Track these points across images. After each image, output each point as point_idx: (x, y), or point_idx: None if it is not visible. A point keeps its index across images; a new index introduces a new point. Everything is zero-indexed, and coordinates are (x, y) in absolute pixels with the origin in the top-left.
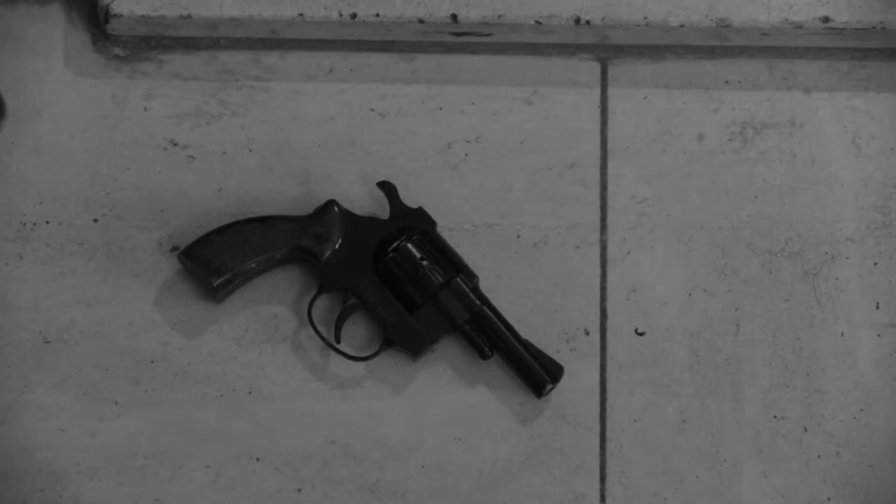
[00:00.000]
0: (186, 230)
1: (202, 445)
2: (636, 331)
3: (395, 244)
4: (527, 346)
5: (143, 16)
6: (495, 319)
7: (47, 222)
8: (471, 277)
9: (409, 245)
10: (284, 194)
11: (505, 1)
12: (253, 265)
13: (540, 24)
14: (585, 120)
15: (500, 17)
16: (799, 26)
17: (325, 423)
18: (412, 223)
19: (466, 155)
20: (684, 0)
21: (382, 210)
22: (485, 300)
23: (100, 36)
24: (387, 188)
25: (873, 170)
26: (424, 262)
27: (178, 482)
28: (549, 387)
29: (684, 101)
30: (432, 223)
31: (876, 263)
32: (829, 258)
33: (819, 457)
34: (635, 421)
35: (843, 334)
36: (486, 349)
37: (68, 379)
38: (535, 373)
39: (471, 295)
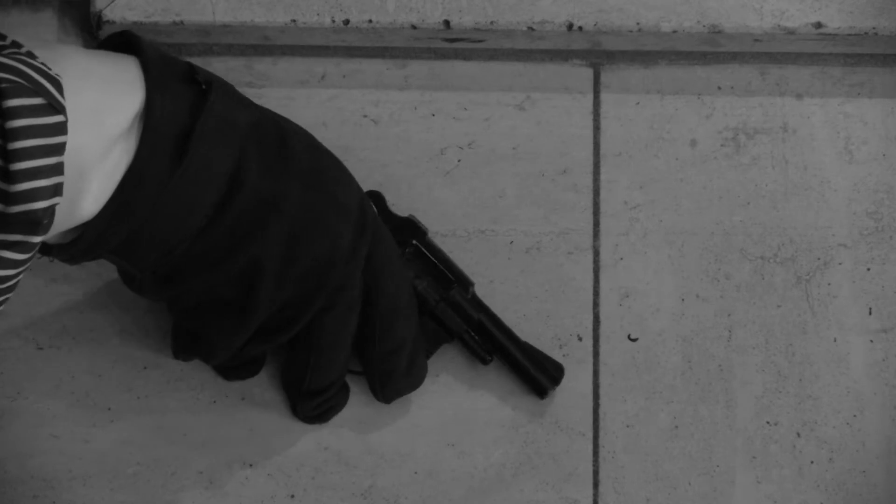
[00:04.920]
0: None
1: (195, 452)
2: (629, 336)
3: None
4: (527, 350)
5: (135, 22)
6: (493, 328)
7: None
8: (466, 285)
9: None
10: None
11: (497, 7)
12: None
13: (532, 30)
14: (578, 126)
15: (492, 23)
16: (791, 32)
17: (317, 429)
18: (403, 234)
19: (459, 161)
20: (677, 6)
21: None
22: (482, 307)
23: (92, 42)
24: (375, 199)
25: (865, 175)
26: (417, 286)
27: (170, 489)
28: (551, 390)
29: (676, 106)
30: (423, 232)
31: (868, 269)
32: (821, 264)
33: (812, 463)
34: (628, 427)
35: (835, 340)
36: (486, 355)
37: (61, 385)
38: (536, 378)
39: (468, 307)
